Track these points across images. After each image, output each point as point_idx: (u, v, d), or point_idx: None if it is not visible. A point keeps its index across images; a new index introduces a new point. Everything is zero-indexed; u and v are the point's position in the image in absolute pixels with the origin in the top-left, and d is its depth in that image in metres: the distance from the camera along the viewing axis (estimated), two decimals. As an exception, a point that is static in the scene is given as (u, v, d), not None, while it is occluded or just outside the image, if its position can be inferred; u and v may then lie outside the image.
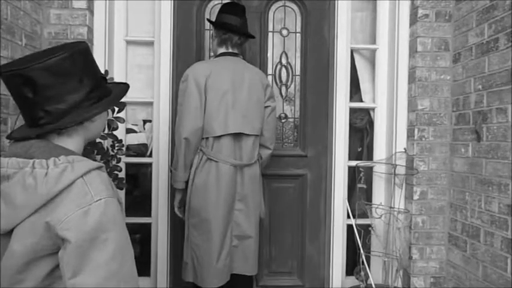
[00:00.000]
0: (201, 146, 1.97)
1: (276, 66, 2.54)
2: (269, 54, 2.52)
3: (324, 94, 2.47)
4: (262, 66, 2.47)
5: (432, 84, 2.25)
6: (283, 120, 2.55)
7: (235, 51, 2.07)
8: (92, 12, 2.22)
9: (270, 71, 2.53)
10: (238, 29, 2.02)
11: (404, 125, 2.35)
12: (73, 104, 0.93)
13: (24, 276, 0.87)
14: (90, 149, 1.90)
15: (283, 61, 2.53)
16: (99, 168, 0.92)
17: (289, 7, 2.54)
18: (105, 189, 0.88)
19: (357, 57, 2.55)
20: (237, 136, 1.99)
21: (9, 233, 0.87)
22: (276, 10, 2.54)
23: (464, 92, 2.11)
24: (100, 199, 0.85)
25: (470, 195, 2.04)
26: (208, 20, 2.14)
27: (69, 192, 0.85)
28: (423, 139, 2.25)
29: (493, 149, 1.87)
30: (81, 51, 0.95)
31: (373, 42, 2.50)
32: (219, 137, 1.95)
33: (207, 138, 1.96)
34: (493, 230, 1.86)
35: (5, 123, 1.76)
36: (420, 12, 2.24)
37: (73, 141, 0.99)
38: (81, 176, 0.87)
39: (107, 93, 1.02)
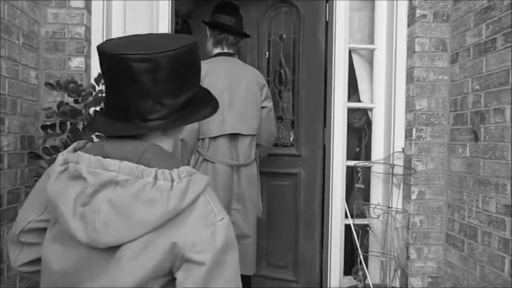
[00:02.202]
0: (197, 147, 1.97)
1: (275, 71, 2.60)
2: (267, 60, 2.58)
3: (318, 95, 2.49)
4: (261, 72, 2.50)
5: (430, 85, 2.25)
6: (280, 121, 2.61)
7: (231, 51, 2.07)
8: (89, 11, 2.21)
9: (269, 76, 2.60)
10: (233, 29, 2.02)
11: (402, 125, 2.35)
12: (187, 100, 0.83)
13: None
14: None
15: (281, 65, 2.59)
16: (209, 182, 0.84)
17: (286, 13, 2.59)
18: (222, 207, 0.81)
19: (355, 57, 2.54)
20: (233, 136, 1.98)
21: (110, 249, 0.75)
22: (273, 17, 2.60)
23: (462, 92, 2.11)
24: (223, 218, 0.78)
25: (467, 195, 2.04)
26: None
27: (192, 209, 0.76)
28: (421, 139, 2.25)
29: (490, 149, 1.88)
30: (197, 45, 0.87)
31: (372, 42, 2.50)
32: (215, 137, 1.94)
33: (203, 139, 1.95)
34: (491, 230, 1.86)
35: (2, 123, 1.75)
36: (418, 12, 2.24)
37: (170, 144, 0.89)
38: (203, 192, 0.78)
39: (206, 95, 0.94)
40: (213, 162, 1.95)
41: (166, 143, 0.87)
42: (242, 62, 2.11)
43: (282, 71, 2.59)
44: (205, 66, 1.96)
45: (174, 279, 0.77)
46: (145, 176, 0.74)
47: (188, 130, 1.91)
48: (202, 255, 0.74)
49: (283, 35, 2.56)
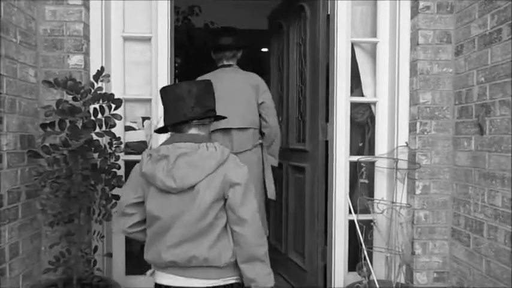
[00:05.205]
0: None
1: (299, 71, 2.87)
2: (295, 62, 2.91)
3: (321, 90, 2.49)
4: (292, 75, 2.92)
5: (434, 77, 2.22)
6: (300, 118, 2.82)
7: (230, 62, 2.57)
8: (87, 8, 2.19)
9: (296, 78, 2.89)
10: (229, 47, 2.53)
11: (406, 119, 2.32)
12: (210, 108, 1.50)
13: (207, 213, 1.37)
14: (88, 147, 1.88)
15: (302, 65, 2.80)
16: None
17: (303, 17, 2.71)
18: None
19: (357, 50, 2.51)
20: (226, 130, 2.40)
21: (189, 189, 1.37)
22: (298, 23, 2.87)
23: (467, 84, 2.07)
24: (244, 165, 1.45)
25: (473, 189, 2.02)
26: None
27: (228, 160, 1.42)
28: (425, 133, 2.22)
29: (496, 142, 1.85)
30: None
31: (374, 35, 2.46)
32: (213, 131, 2.36)
33: None
34: (497, 224, 1.83)
35: (1, 122, 1.74)
36: (421, 4, 2.20)
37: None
38: (230, 153, 1.45)
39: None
40: None
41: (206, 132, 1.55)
42: (239, 70, 2.57)
43: (302, 70, 2.78)
44: (208, 77, 2.32)
45: (224, 203, 1.41)
46: (201, 147, 1.40)
47: None
48: (239, 179, 1.40)
49: (302, 39, 2.80)
